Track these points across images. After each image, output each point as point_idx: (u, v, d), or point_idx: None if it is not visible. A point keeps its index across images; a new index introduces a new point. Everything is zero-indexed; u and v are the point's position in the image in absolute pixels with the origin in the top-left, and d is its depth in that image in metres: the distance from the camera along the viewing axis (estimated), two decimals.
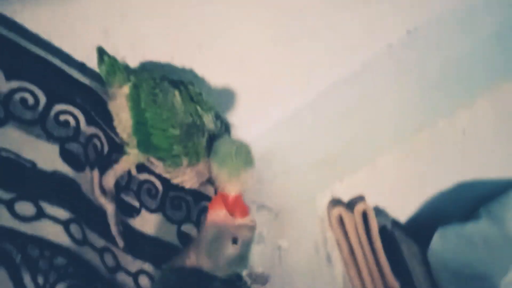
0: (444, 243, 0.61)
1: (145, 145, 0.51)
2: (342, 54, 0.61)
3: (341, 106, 0.62)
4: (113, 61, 0.54)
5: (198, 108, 0.53)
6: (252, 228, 0.49)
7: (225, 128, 0.57)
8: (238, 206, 0.49)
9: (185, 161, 0.51)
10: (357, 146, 0.59)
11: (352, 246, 0.57)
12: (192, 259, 0.49)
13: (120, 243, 0.52)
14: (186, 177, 0.53)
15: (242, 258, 0.49)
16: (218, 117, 0.55)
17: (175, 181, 0.54)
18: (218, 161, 0.51)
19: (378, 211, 0.63)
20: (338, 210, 0.58)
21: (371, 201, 0.60)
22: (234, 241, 0.48)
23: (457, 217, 0.67)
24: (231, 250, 0.48)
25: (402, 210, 0.66)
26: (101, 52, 0.54)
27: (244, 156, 0.51)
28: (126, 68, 0.55)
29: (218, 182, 0.51)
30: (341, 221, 0.59)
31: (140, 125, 0.51)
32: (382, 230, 0.60)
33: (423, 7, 0.57)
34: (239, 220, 0.49)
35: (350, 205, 0.60)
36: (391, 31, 0.59)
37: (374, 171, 0.58)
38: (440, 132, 0.55)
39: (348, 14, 0.57)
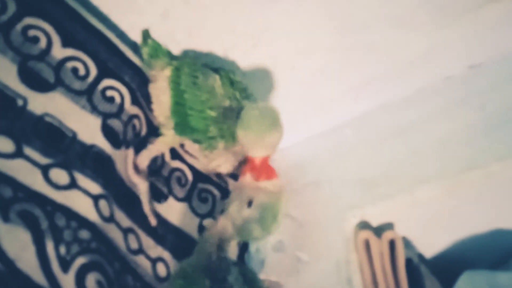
0: (471, 287, 0.59)
1: (182, 126, 0.52)
2: (397, 77, 0.60)
3: (386, 129, 0.61)
4: (156, 45, 0.54)
5: (237, 94, 0.53)
6: (274, 193, 0.48)
7: None
8: (263, 169, 0.48)
9: (221, 143, 0.51)
10: (397, 173, 0.57)
11: (375, 273, 0.56)
12: (220, 224, 0.49)
13: (153, 221, 0.52)
14: (223, 159, 0.53)
15: (260, 223, 0.47)
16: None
17: (213, 164, 0.54)
18: (243, 125, 0.49)
19: (406, 243, 0.61)
20: (365, 234, 0.56)
21: (400, 231, 0.58)
22: (249, 204, 0.47)
23: (485, 263, 0.64)
24: (246, 212, 0.47)
25: (430, 245, 0.64)
26: (145, 35, 0.55)
27: (269, 119, 0.48)
28: (169, 53, 0.55)
29: (244, 147, 0.50)
30: (367, 245, 0.57)
31: (178, 106, 0.51)
32: (408, 263, 0.58)
33: (491, 44, 0.55)
34: (262, 183, 0.48)
35: (378, 231, 0.58)
36: (453, 63, 0.57)
37: (410, 201, 0.56)
38: (490, 176, 0.52)
39: (412, 36, 0.55)
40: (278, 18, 0.55)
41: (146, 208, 0.52)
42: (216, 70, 0.55)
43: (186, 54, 0.59)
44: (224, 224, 0.48)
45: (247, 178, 0.49)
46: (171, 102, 0.52)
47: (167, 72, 0.53)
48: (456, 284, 0.61)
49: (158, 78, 0.53)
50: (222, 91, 0.52)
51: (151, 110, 0.56)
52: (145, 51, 0.54)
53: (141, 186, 0.52)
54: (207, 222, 0.58)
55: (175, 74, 0.52)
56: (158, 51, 0.54)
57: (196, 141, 0.53)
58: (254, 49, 0.58)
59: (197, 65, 0.53)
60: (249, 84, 0.60)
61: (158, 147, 0.54)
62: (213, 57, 0.60)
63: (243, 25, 0.56)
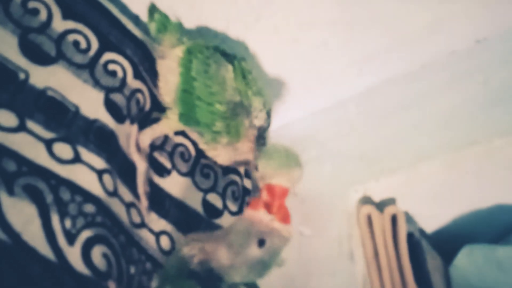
0: (470, 261, 0.60)
1: (187, 117, 0.50)
2: (401, 51, 0.59)
3: (390, 104, 0.61)
4: (164, 18, 0.52)
5: (249, 91, 0.51)
6: (285, 239, 0.44)
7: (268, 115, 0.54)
8: (282, 208, 0.45)
9: (224, 139, 0.50)
10: (400, 148, 0.57)
11: (376, 247, 0.56)
12: (212, 247, 0.44)
13: (144, 202, 0.51)
14: (223, 151, 0.51)
15: (263, 266, 0.44)
16: (267, 106, 0.53)
17: (210, 154, 0.53)
18: (268, 155, 0.48)
19: (408, 217, 0.61)
20: (368, 209, 0.57)
21: (402, 206, 0.59)
22: (261, 243, 0.43)
23: (485, 238, 0.65)
24: (254, 251, 0.43)
25: (432, 220, 0.65)
26: (152, 9, 0.53)
27: (295, 157, 0.48)
28: (180, 26, 0.53)
29: (265, 176, 0.47)
30: (369, 220, 0.57)
31: (186, 94, 0.50)
32: (409, 237, 0.58)
33: (498, 18, 0.54)
34: (276, 224, 0.44)
35: (380, 206, 0.58)
36: (459, 37, 0.57)
37: (413, 176, 0.57)
38: (493, 151, 0.52)
39: (417, 9, 0.54)
40: None
41: (141, 189, 0.51)
42: (229, 57, 0.52)
43: (197, 29, 0.58)
44: (218, 251, 0.44)
45: (260, 213, 0.44)
46: (179, 89, 0.50)
47: (178, 52, 0.51)
48: (456, 258, 0.62)
49: (167, 56, 0.51)
50: (234, 85, 0.50)
51: (155, 84, 0.55)
52: (152, 27, 0.52)
53: (140, 166, 0.51)
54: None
55: (187, 57, 0.50)
56: (166, 25, 0.52)
57: (199, 132, 0.51)
58: (256, 22, 0.57)
59: (210, 50, 0.51)
60: (251, 59, 0.60)
61: (162, 129, 0.53)
62: (224, 36, 0.58)
63: None
